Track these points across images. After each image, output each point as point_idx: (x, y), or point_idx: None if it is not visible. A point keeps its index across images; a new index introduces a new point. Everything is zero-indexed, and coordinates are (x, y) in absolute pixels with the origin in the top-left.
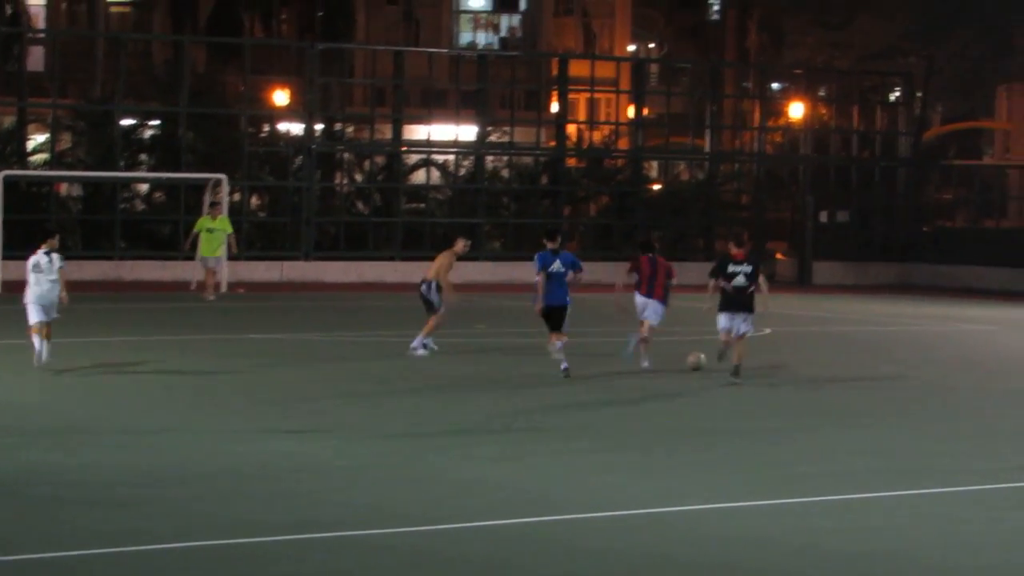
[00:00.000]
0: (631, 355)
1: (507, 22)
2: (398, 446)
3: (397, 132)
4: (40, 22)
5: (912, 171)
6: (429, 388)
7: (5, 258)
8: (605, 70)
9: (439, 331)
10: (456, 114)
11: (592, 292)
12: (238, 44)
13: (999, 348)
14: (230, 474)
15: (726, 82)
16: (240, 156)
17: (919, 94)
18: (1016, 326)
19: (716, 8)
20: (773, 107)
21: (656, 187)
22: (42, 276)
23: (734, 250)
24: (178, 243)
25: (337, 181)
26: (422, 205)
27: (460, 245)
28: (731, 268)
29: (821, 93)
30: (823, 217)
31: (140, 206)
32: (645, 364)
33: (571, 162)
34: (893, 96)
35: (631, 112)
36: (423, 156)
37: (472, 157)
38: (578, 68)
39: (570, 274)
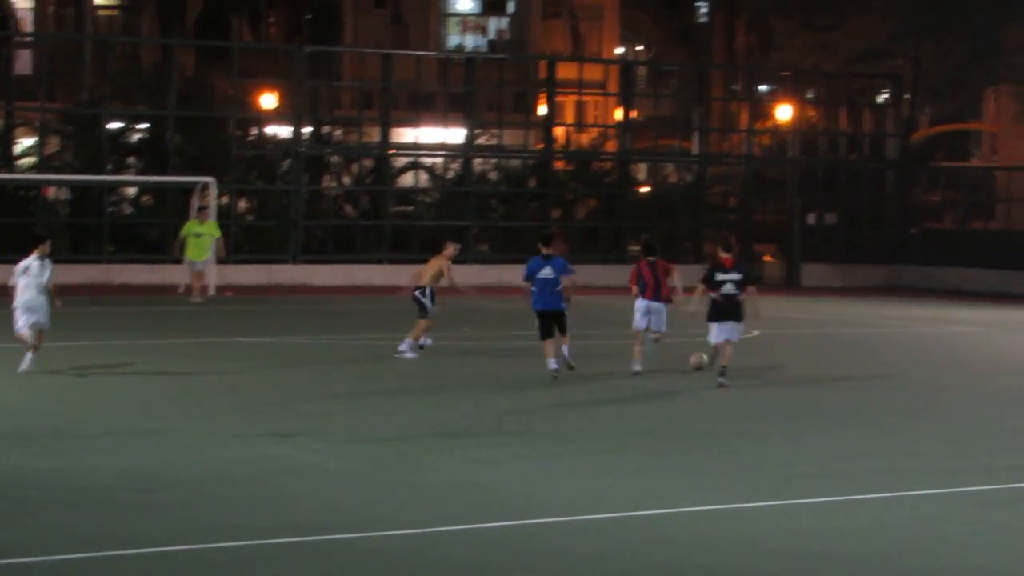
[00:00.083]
0: (654, 352)
1: (495, 25)
2: (386, 449)
3: (385, 135)
4: (28, 25)
5: (900, 173)
6: (417, 391)
7: None
8: (593, 73)
9: (431, 332)
10: (444, 117)
11: (588, 295)
12: (226, 47)
13: (988, 349)
14: (217, 478)
15: (714, 84)
16: (228, 159)
17: (907, 96)
18: (1004, 327)
19: (704, 11)
20: (761, 109)
21: (644, 190)
22: (31, 281)
23: (722, 255)
24: (166, 246)
25: (325, 184)
26: (410, 208)
27: (451, 249)
28: (719, 276)
29: (809, 95)
30: (811, 219)
31: (128, 209)
32: (637, 368)
33: (559, 165)
34: (881, 98)
35: (619, 115)
36: (411, 159)
37: (460, 160)
38: (566, 71)
39: (563, 280)
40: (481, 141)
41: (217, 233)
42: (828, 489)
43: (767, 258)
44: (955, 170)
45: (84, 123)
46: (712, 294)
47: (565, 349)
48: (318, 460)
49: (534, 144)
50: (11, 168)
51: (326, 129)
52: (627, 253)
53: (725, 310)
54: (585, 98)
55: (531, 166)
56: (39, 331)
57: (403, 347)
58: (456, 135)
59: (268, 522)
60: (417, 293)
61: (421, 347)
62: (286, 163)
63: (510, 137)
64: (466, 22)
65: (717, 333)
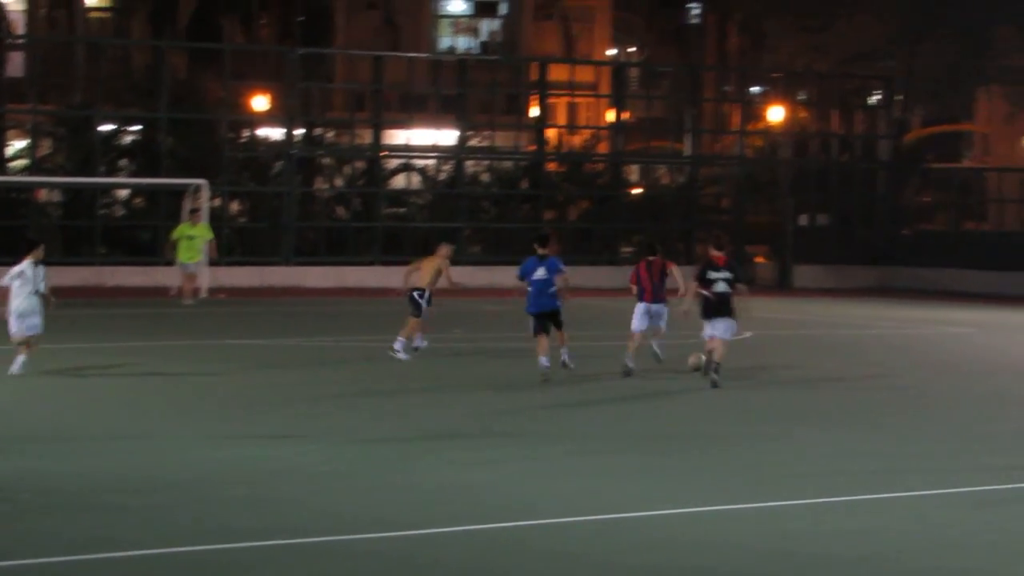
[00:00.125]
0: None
1: (487, 26)
2: (379, 450)
3: (377, 137)
4: (20, 28)
5: (892, 174)
6: (410, 392)
7: None
8: (585, 74)
9: (426, 334)
10: (436, 119)
11: (580, 297)
12: (218, 49)
13: (978, 351)
14: (208, 480)
15: (706, 86)
16: (220, 161)
17: (898, 97)
18: (995, 328)
19: (696, 12)
20: (753, 111)
21: (636, 191)
22: (27, 287)
23: (714, 253)
24: (158, 249)
25: (317, 186)
26: (402, 210)
27: (446, 250)
28: (711, 275)
29: (801, 96)
30: (803, 220)
31: (120, 212)
32: (630, 364)
33: (551, 166)
34: (873, 99)
35: (611, 116)
36: (403, 161)
37: (452, 162)
38: (558, 72)
39: (556, 280)
40: (473, 143)
41: (209, 235)
42: (824, 490)
43: (759, 259)
44: (947, 171)
45: (76, 125)
46: (704, 292)
47: (564, 353)
48: (311, 462)
49: (526, 146)
50: (3, 170)
51: (318, 131)
52: (619, 255)
53: (717, 308)
54: (577, 100)
55: (523, 168)
56: (33, 336)
57: (397, 346)
58: (448, 137)
59: (261, 524)
60: (416, 294)
61: (415, 349)
62: (278, 165)
63: (502, 139)
64: (458, 24)
65: (711, 330)
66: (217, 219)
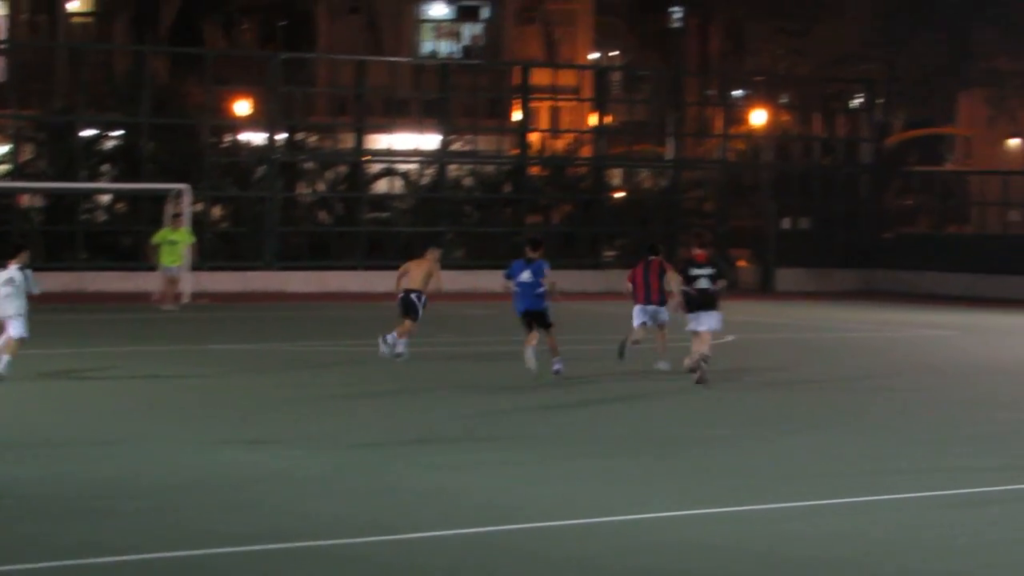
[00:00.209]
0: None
1: (469, 31)
2: (361, 455)
3: (359, 141)
4: (1, 33)
5: (874, 177)
6: (393, 396)
7: None
8: (567, 78)
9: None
10: (418, 123)
11: (564, 300)
12: (200, 54)
13: (960, 353)
14: (192, 485)
15: (688, 90)
16: (202, 166)
17: (880, 100)
18: (977, 331)
19: (678, 16)
20: (735, 114)
21: (619, 195)
22: (14, 291)
23: (696, 250)
24: (140, 254)
25: (299, 191)
26: (385, 214)
27: (435, 255)
28: (693, 271)
29: (783, 100)
30: (786, 224)
31: (102, 217)
32: (628, 344)
33: (534, 170)
34: (854, 103)
35: (593, 120)
36: (385, 165)
37: (435, 166)
38: (540, 76)
39: (545, 282)
40: (456, 147)
41: (191, 239)
42: (804, 493)
43: (741, 263)
44: (929, 174)
45: (58, 131)
46: (686, 288)
47: (556, 363)
48: (295, 466)
49: (509, 150)
50: None
51: (300, 135)
52: (602, 259)
53: (700, 303)
54: (559, 104)
55: (506, 172)
56: (19, 340)
57: (400, 348)
58: (431, 141)
59: (243, 529)
60: (413, 297)
61: (397, 356)
62: (260, 170)
63: (485, 143)
64: (440, 28)
65: (696, 324)
66: (199, 224)
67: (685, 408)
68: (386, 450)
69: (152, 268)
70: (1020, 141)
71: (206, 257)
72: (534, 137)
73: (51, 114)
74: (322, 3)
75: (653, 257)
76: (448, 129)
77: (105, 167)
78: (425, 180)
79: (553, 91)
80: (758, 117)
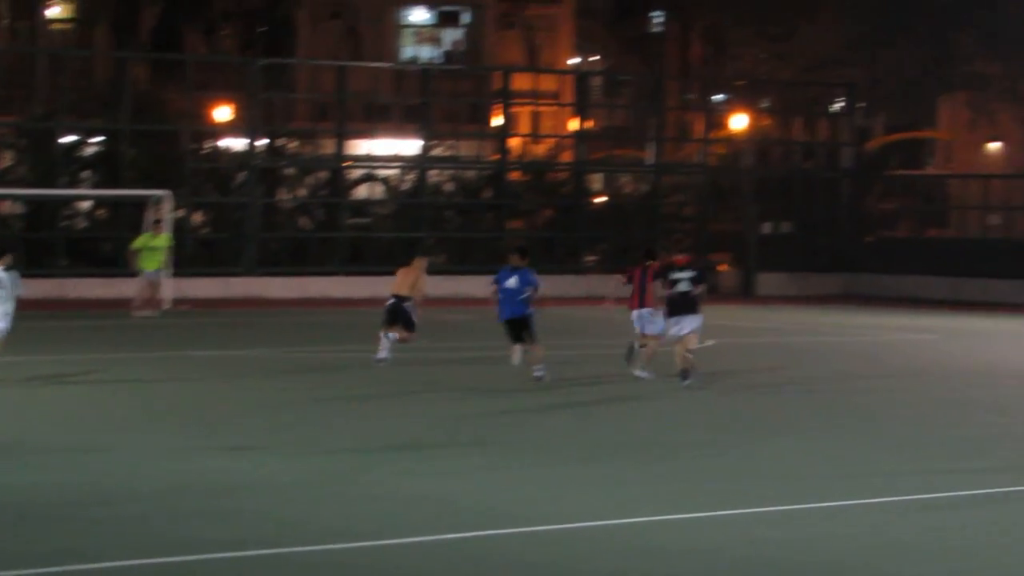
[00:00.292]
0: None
1: (450, 36)
2: (342, 461)
3: (340, 147)
4: None
5: (855, 181)
6: (373, 402)
7: None
8: (548, 83)
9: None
10: (399, 128)
11: (545, 306)
12: (180, 60)
13: (941, 356)
14: (172, 492)
15: (669, 94)
16: (182, 172)
17: (861, 105)
18: (958, 335)
19: (658, 20)
20: (716, 119)
21: (600, 200)
22: (3, 294)
23: (677, 256)
24: (121, 260)
25: (280, 197)
26: (366, 220)
27: (422, 263)
28: (673, 275)
29: (764, 104)
30: (767, 228)
31: (82, 223)
32: (643, 374)
33: (514, 175)
34: (835, 107)
35: (574, 125)
36: (366, 171)
37: (415, 171)
38: (521, 81)
39: (528, 290)
40: (436, 152)
41: (170, 243)
42: (784, 496)
43: (722, 267)
44: (910, 178)
45: (38, 137)
46: (666, 292)
47: (539, 371)
48: (276, 472)
49: (489, 155)
50: None
51: (281, 141)
52: (583, 263)
53: (680, 304)
54: (540, 108)
55: (486, 177)
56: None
57: (382, 354)
58: (411, 146)
59: (223, 536)
60: (406, 305)
61: (379, 361)
62: (241, 176)
63: (465, 148)
64: (421, 33)
65: (678, 328)
66: (180, 230)
67: (667, 412)
68: (368, 456)
69: (133, 274)
70: (1000, 145)
71: (186, 263)
72: (515, 142)
73: (31, 120)
74: (303, 9)
75: (651, 262)
76: (429, 134)
77: (85, 173)
78: (406, 185)
79: (534, 96)
80: (739, 121)
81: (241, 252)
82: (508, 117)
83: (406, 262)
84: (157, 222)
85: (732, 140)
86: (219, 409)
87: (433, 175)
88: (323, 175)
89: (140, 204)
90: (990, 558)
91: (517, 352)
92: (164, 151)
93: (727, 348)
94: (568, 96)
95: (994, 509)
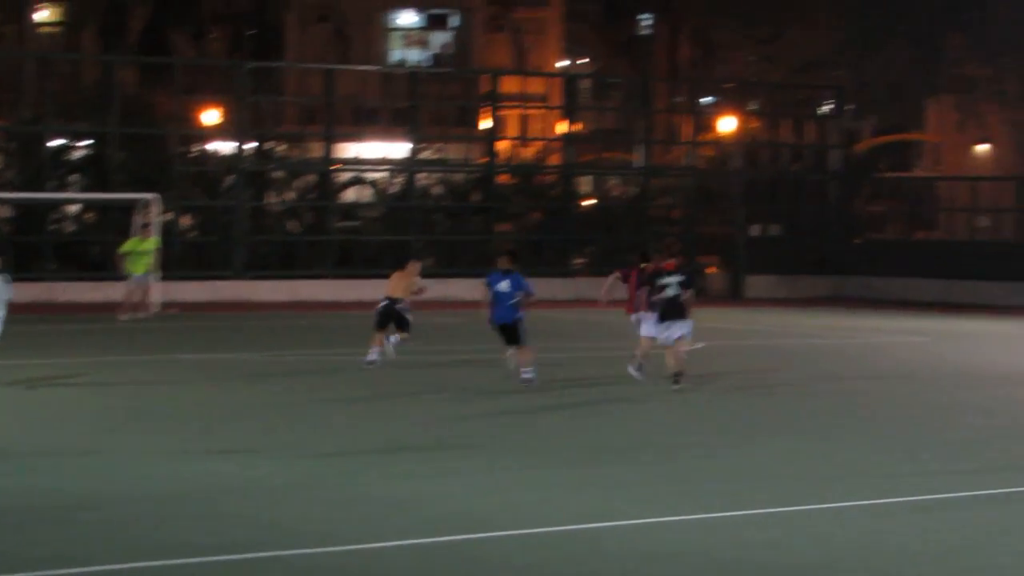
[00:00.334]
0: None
1: (438, 39)
2: (330, 464)
3: (328, 150)
4: None
5: (843, 184)
6: (362, 405)
7: None
8: (536, 86)
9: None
10: (387, 131)
11: (533, 308)
12: (168, 64)
13: (931, 359)
14: (162, 495)
15: (657, 97)
16: (171, 176)
17: (849, 107)
18: (946, 337)
19: (647, 23)
20: (704, 121)
21: (588, 203)
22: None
23: (667, 261)
24: (110, 264)
25: (268, 200)
26: (354, 223)
27: (415, 267)
28: (662, 280)
29: (752, 107)
30: (755, 231)
31: (71, 227)
32: (636, 374)
33: (503, 178)
34: (823, 109)
35: (562, 128)
36: (355, 174)
37: (404, 174)
38: (509, 84)
39: (518, 295)
40: (425, 155)
41: (158, 247)
42: (774, 498)
43: (711, 270)
44: (898, 180)
45: (26, 140)
46: (656, 296)
47: (528, 373)
48: (264, 475)
49: (477, 158)
50: None
51: (269, 144)
52: (571, 266)
53: (669, 311)
54: (528, 111)
55: (475, 180)
56: None
57: (373, 355)
58: (400, 149)
59: (211, 539)
60: (400, 307)
61: (370, 363)
62: (229, 179)
63: (454, 151)
64: (409, 36)
65: (667, 333)
66: (168, 233)
67: (656, 414)
68: (358, 459)
69: (122, 278)
70: (988, 147)
71: (174, 266)
72: (503, 145)
73: (19, 124)
74: (291, 12)
75: (645, 265)
76: (417, 137)
77: (74, 177)
78: (394, 189)
79: (522, 99)
80: (727, 124)
81: (229, 255)
82: (496, 120)
83: (399, 265)
84: (145, 226)
85: (720, 143)
86: (209, 412)
87: (421, 178)
88: (311, 178)
89: (128, 208)
90: (984, 558)
91: (511, 355)
92: (152, 154)
93: (717, 351)
94: (556, 99)
95: (987, 510)
